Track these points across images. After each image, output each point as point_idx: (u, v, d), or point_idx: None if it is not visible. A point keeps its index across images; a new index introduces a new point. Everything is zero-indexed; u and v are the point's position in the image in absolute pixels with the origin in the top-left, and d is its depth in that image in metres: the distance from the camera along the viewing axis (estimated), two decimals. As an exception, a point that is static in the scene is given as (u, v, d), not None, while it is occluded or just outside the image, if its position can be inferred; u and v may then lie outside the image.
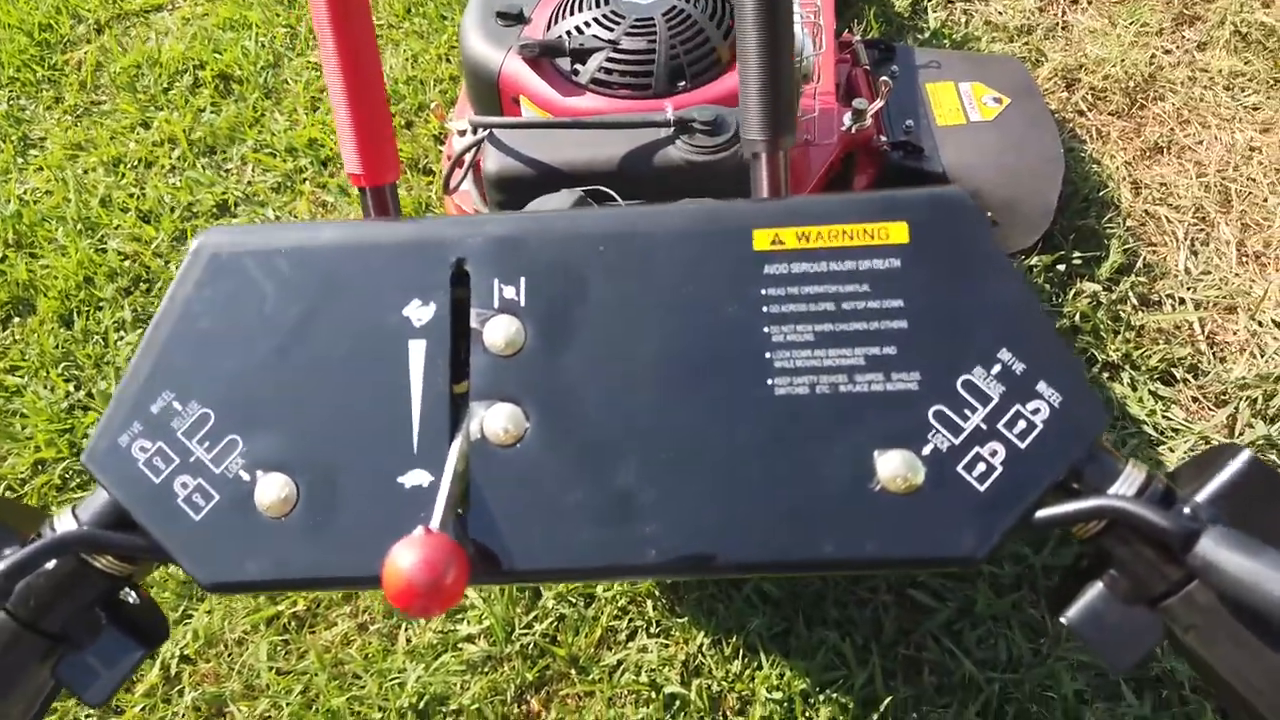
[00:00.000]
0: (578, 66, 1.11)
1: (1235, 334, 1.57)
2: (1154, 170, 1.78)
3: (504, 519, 0.41)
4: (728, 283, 0.43)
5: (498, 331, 0.43)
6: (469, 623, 1.39)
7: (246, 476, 0.42)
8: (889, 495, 0.40)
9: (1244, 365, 1.52)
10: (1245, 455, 0.40)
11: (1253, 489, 0.39)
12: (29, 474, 1.59)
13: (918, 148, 1.57)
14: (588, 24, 1.10)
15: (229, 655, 1.39)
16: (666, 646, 1.36)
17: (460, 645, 1.37)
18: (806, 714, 1.28)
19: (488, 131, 1.00)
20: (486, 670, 1.35)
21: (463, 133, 1.49)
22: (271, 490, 0.42)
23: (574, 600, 1.40)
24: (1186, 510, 0.39)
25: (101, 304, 1.80)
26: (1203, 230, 1.69)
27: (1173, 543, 0.39)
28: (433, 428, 0.42)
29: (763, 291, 0.43)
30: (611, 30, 1.09)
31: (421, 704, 1.32)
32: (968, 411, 0.40)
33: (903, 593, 1.38)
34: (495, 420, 0.42)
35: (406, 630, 1.39)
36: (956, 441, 0.40)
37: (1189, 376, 1.58)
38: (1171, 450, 1.49)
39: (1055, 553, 1.39)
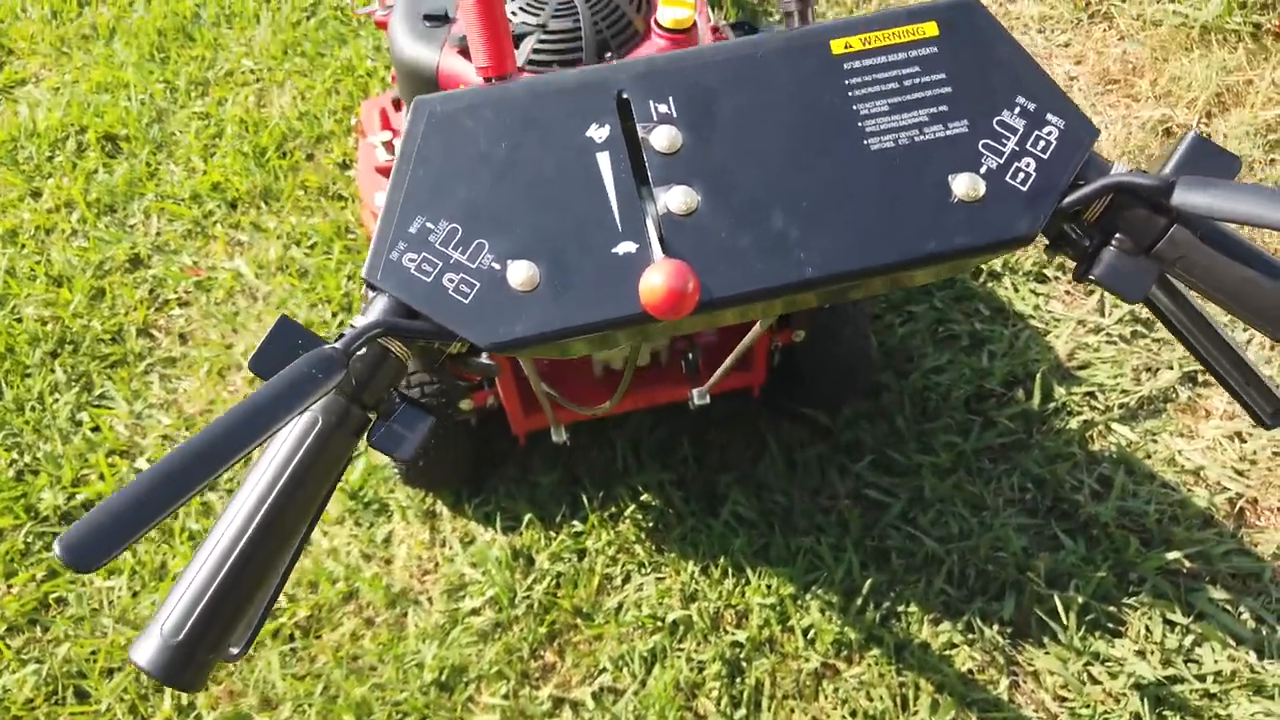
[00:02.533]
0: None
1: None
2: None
3: (698, 266, 0.53)
4: (821, 78, 0.58)
5: (661, 137, 0.56)
6: (471, 597, 1.46)
7: (498, 266, 0.54)
8: (964, 204, 0.57)
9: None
10: (1191, 134, 0.58)
11: (1202, 152, 0.57)
12: (-10, 544, 1.56)
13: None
14: (515, 12, 1.22)
15: (240, 673, 1.41)
16: (661, 580, 1.46)
17: (467, 619, 1.44)
18: (798, 613, 1.41)
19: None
20: (498, 636, 1.43)
21: (388, 144, 1.57)
22: (520, 272, 0.54)
23: (567, 558, 1.49)
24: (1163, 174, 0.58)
25: (29, 370, 1.78)
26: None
27: (1158, 195, 0.56)
28: (629, 211, 0.55)
29: (846, 81, 0.58)
30: (538, 14, 1.20)
31: (443, 677, 1.39)
32: (1004, 140, 0.58)
33: (860, 495, 1.53)
34: (674, 199, 0.56)
35: (413, 617, 1.45)
36: (1001, 160, 0.58)
37: (1058, 275, 1.81)
38: (1057, 337, 1.70)
39: (980, 437, 1.57)
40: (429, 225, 0.54)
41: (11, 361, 1.79)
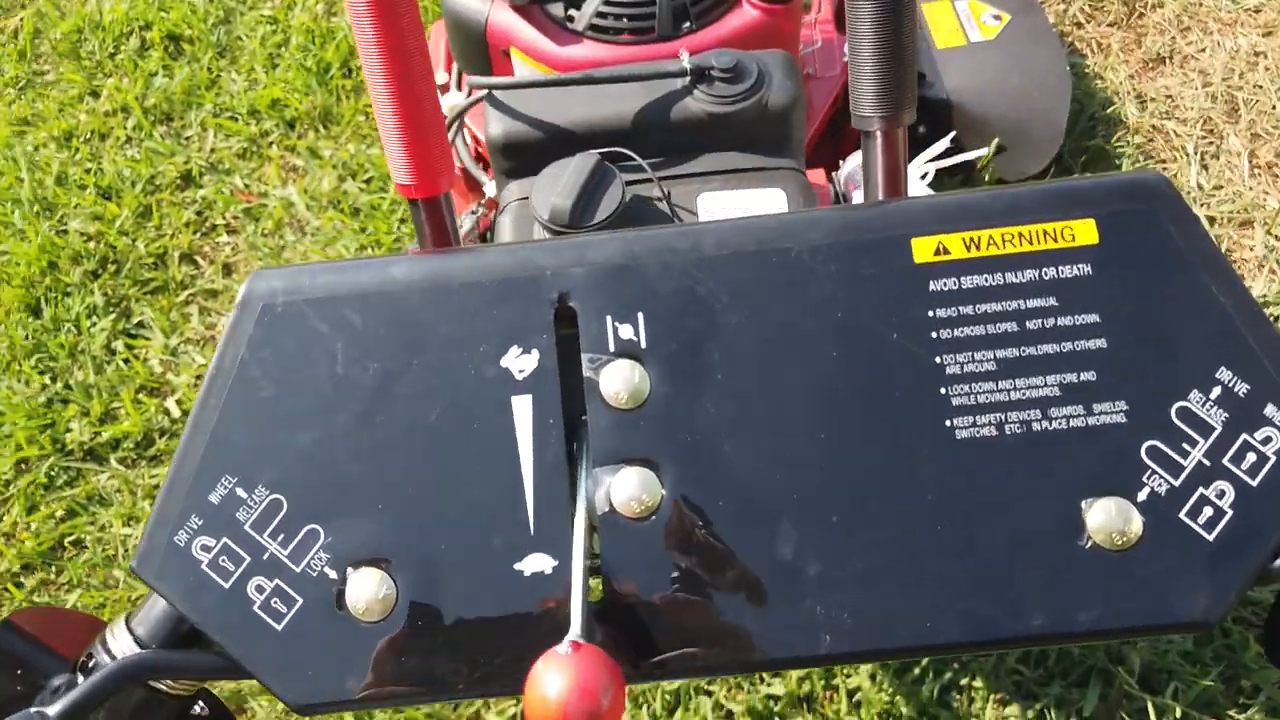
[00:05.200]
0: (572, 12, 1.03)
1: (1252, 250, 1.54)
2: (1158, 82, 1.73)
3: (646, 608, 0.35)
4: (886, 305, 0.36)
5: (616, 379, 0.36)
6: None
7: (334, 574, 0.36)
8: (1102, 552, 0.34)
9: (1263, 282, 1.49)
10: None
11: None
12: (12, 474, 1.51)
13: (919, 74, 1.50)
14: (578, -34, 1.02)
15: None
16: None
17: None
18: (845, 671, 1.26)
19: (485, 93, 0.92)
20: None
21: (443, 87, 1.40)
22: (365, 589, 0.36)
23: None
24: None
25: (69, 290, 1.70)
26: (1212, 143, 1.64)
27: None
28: (550, 501, 0.36)
29: (930, 313, 0.36)
30: (605, -30, 1.01)
31: None
32: (1186, 446, 0.34)
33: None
34: (624, 488, 0.36)
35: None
36: (1176, 483, 0.35)
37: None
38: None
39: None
40: (239, 493, 0.36)
41: (53, 278, 1.72)
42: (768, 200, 0.86)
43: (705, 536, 0.35)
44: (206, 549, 0.36)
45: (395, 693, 0.35)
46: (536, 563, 0.36)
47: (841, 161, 1.10)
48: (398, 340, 0.37)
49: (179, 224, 1.77)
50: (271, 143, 1.87)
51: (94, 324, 1.66)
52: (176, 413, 1.55)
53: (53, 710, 0.35)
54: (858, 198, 0.95)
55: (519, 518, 0.36)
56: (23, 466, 1.53)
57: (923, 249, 0.36)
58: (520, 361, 0.37)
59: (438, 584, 0.36)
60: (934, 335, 0.36)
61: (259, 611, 0.36)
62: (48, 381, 1.61)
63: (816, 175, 1.02)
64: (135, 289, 1.70)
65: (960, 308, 0.36)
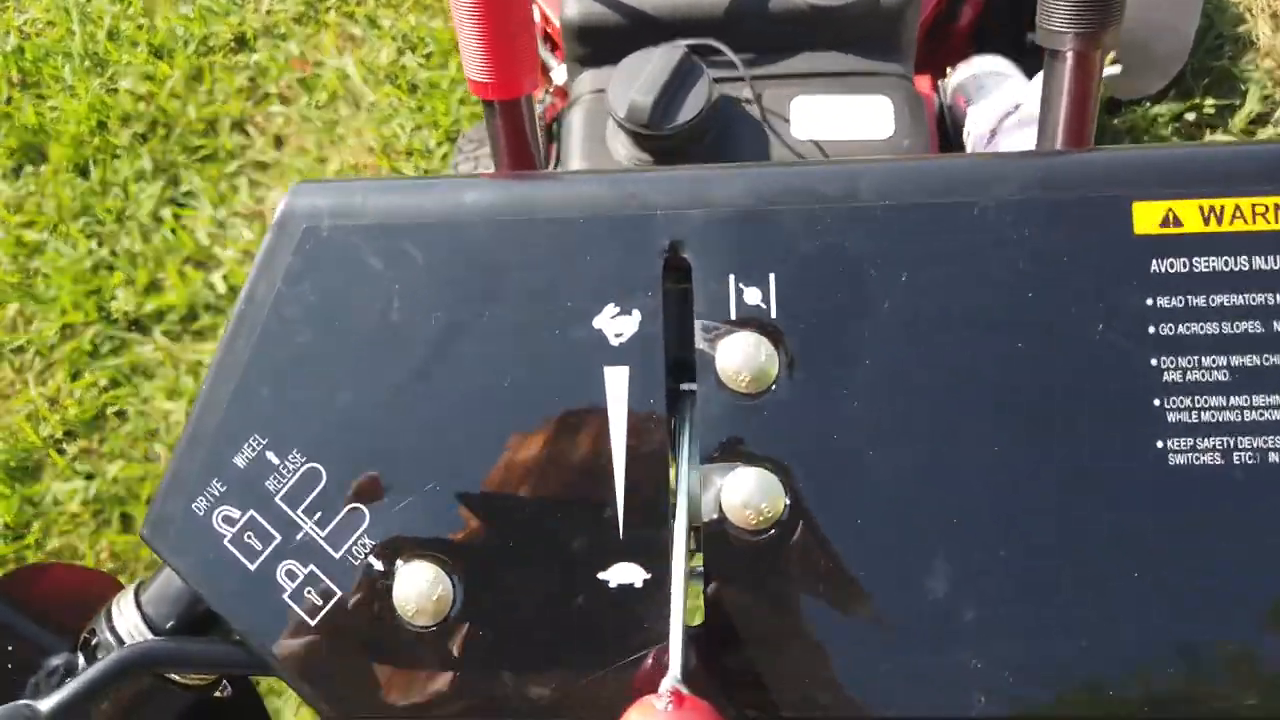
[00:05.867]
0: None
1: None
2: (1299, -1, 1.56)
3: (756, 640, 0.28)
4: (1093, 286, 0.28)
5: (737, 355, 0.28)
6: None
7: (379, 565, 0.29)
8: None
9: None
10: None
11: None
12: (57, 339, 1.49)
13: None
14: None
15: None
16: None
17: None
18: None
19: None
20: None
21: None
22: (417, 586, 0.29)
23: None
24: None
25: (118, 152, 1.65)
26: (1352, 72, 1.48)
27: None
28: (645, 500, 0.28)
29: (1149, 301, 0.28)
30: None
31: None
32: None
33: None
34: (740, 491, 0.28)
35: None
36: None
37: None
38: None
39: None
40: (269, 457, 0.29)
41: (101, 139, 1.66)
42: (872, 109, 0.77)
43: (836, 559, 0.28)
44: (230, 521, 0.30)
45: (447, 712, 0.29)
46: (624, 573, 0.29)
47: (950, 69, 0.98)
48: (467, 284, 0.30)
49: (231, 90, 1.70)
50: (330, 8, 1.77)
51: (142, 189, 1.61)
52: (223, 288, 1.51)
53: (45, 705, 0.30)
54: (974, 115, 0.85)
55: (605, 517, 0.29)
56: (68, 332, 1.50)
57: (1146, 217, 0.28)
58: (617, 323, 0.29)
59: (503, 587, 0.29)
60: (1151, 330, 0.28)
61: (289, 601, 0.30)
62: (94, 246, 1.57)
63: (920, 82, 0.91)
64: (185, 155, 1.64)
65: (1190, 297, 0.28)
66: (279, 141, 1.66)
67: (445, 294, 0.30)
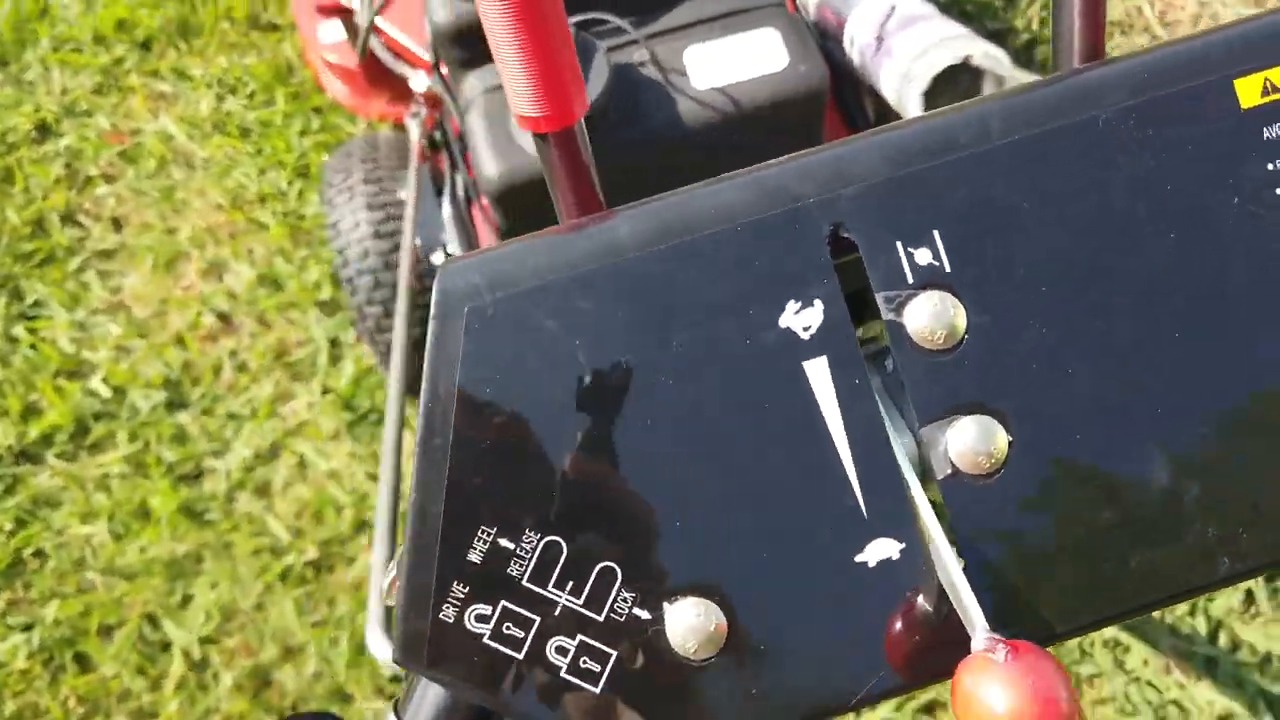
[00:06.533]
0: None
1: (1184, 9, 1.49)
2: None
3: (1020, 572, 0.28)
4: (1216, 165, 0.29)
5: (926, 316, 0.29)
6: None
7: (645, 614, 0.29)
8: None
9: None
10: None
11: None
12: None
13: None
14: None
15: (253, 624, 1.26)
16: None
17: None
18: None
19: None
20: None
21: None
22: (689, 622, 0.28)
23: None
24: None
25: (-57, 280, 1.51)
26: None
27: None
28: (877, 476, 0.29)
29: (1270, 166, 0.29)
30: None
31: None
32: None
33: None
34: (965, 441, 0.28)
35: (437, 544, 1.29)
36: None
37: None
38: None
39: None
40: (504, 545, 0.28)
41: (-81, 271, 1.52)
42: (761, 43, 0.77)
43: (1065, 477, 0.28)
44: (483, 619, 0.28)
45: None
46: (880, 549, 0.29)
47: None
48: (646, 321, 0.29)
49: (48, 183, 1.58)
50: (129, 70, 1.65)
51: (-17, 313, 1.49)
52: (106, 392, 1.41)
53: None
54: (852, 27, 0.86)
55: (846, 503, 0.29)
56: None
57: (1248, 91, 0.29)
58: (802, 318, 0.28)
59: (771, 597, 0.29)
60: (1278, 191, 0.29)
61: (568, 676, 0.28)
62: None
63: (784, 6, 0.92)
64: (20, 265, 1.52)
65: None
66: (117, 224, 1.55)
67: (627, 336, 0.29)
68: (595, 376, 0.28)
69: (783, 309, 0.28)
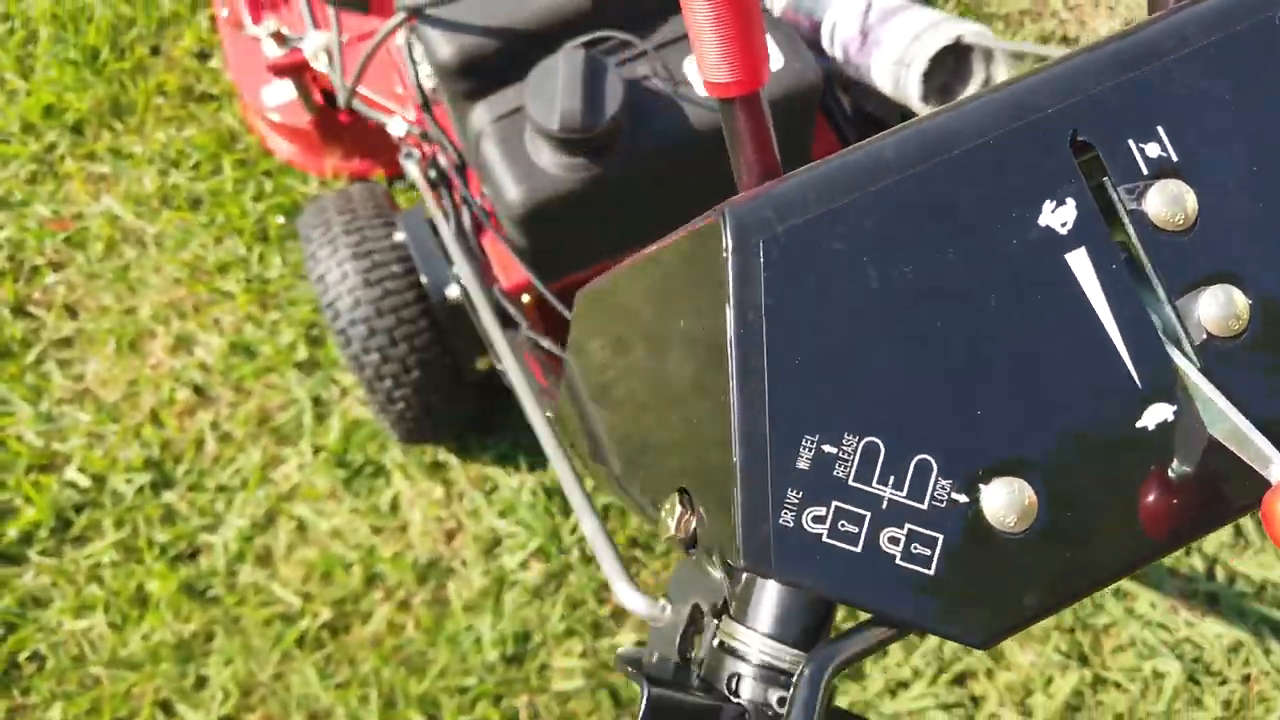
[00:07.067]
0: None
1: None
2: None
3: (1274, 420, 0.32)
4: None
5: (1164, 202, 0.33)
6: (511, 552, 1.29)
7: (963, 498, 0.32)
8: None
9: (1104, 22, 1.55)
10: None
11: None
12: None
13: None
14: None
15: (274, 695, 1.23)
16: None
17: (515, 578, 1.28)
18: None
19: (403, 17, 0.80)
20: (555, 590, 1.27)
21: (279, 36, 1.23)
22: (1003, 500, 0.32)
23: (608, 486, 1.32)
24: None
25: (-109, 388, 1.45)
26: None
27: None
28: (1143, 349, 0.32)
29: None
30: None
31: (509, 650, 1.24)
32: None
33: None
34: (1213, 308, 0.32)
35: (453, 588, 1.28)
36: None
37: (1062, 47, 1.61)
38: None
39: None
40: (827, 449, 0.31)
41: None
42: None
43: None
44: (819, 520, 0.31)
45: (1066, 592, 0.32)
46: (1156, 414, 0.33)
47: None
48: (923, 232, 0.32)
49: (-7, 277, 1.53)
50: (63, 155, 1.62)
51: (-60, 417, 1.43)
52: (85, 481, 1.37)
53: None
54: (831, 25, 0.90)
55: (1120, 375, 0.32)
56: None
57: None
58: (1058, 215, 0.32)
59: (1069, 467, 0.32)
60: None
61: (904, 564, 0.32)
62: None
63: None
64: (-27, 364, 1.47)
65: None
66: (71, 311, 1.51)
67: (908, 247, 0.32)
68: (885, 286, 0.31)
69: (1039, 210, 0.32)
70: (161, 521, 1.34)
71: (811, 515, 0.31)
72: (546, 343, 0.79)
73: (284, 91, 1.44)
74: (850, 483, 0.31)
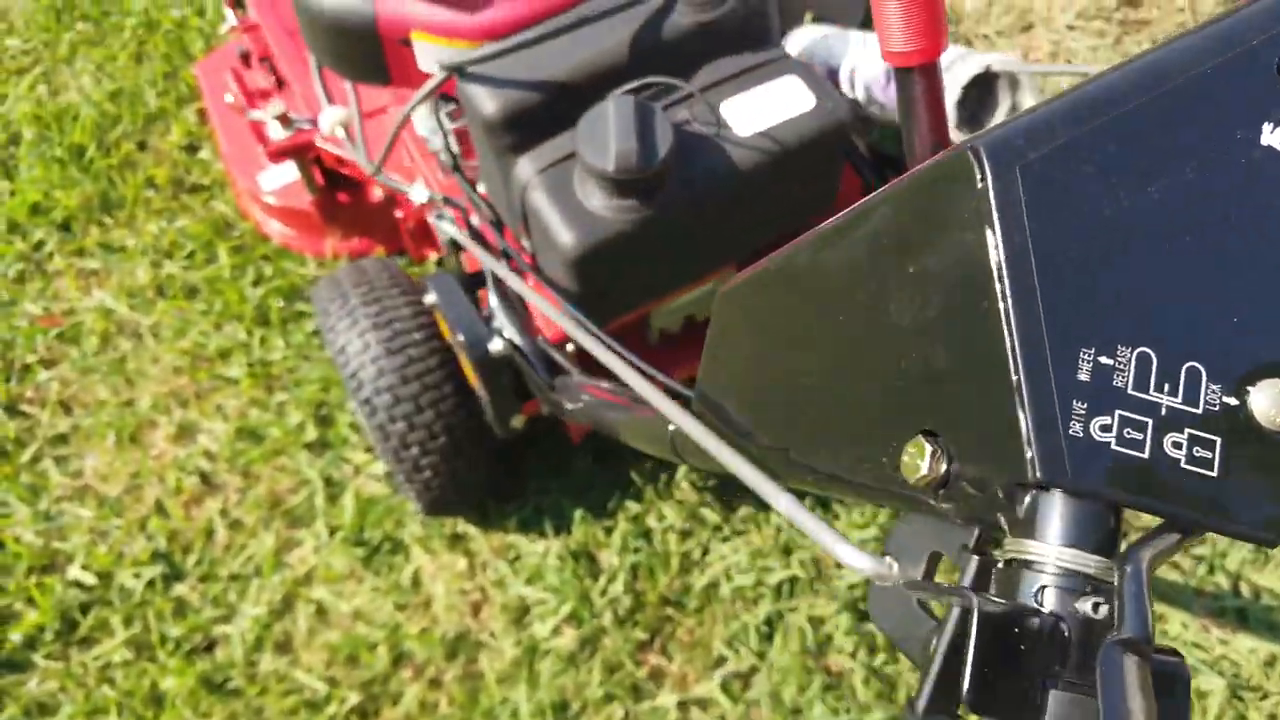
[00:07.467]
0: (472, -26, 0.94)
1: None
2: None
3: None
4: None
5: None
6: (542, 620, 1.26)
7: (1233, 400, 0.34)
8: None
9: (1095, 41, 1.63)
10: None
11: None
12: None
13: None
14: None
15: (304, 788, 1.18)
16: (747, 541, 1.31)
17: (548, 646, 1.25)
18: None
19: (443, 76, 0.82)
20: (590, 655, 1.24)
21: (284, 118, 1.25)
22: (1270, 400, 0.34)
23: (634, 545, 1.31)
24: None
25: (-121, 498, 1.39)
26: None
27: None
28: None
29: None
30: (501, -83, 0.92)
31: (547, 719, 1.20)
32: None
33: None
34: None
35: (485, 662, 1.24)
36: None
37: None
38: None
39: None
40: (1104, 361, 0.33)
41: None
42: (788, 89, 0.84)
43: None
44: (1106, 429, 0.33)
45: None
46: None
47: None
48: (1161, 153, 0.35)
49: (-16, 378, 1.49)
50: (51, 253, 1.60)
51: (-68, 524, 1.38)
52: (90, 579, 1.32)
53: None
54: (852, 69, 0.94)
55: None
56: None
57: None
58: (1277, 135, 0.34)
59: None
60: None
61: (1189, 466, 0.33)
62: None
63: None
64: (-35, 467, 1.42)
65: None
66: (66, 407, 1.47)
67: (1150, 168, 0.34)
68: (1135, 205, 0.33)
69: (1260, 130, 0.34)
70: (173, 615, 1.29)
71: (1099, 424, 0.32)
72: (606, 385, 0.79)
73: (283, 175, 1.45)
74: (1130, 391, 0.32)
